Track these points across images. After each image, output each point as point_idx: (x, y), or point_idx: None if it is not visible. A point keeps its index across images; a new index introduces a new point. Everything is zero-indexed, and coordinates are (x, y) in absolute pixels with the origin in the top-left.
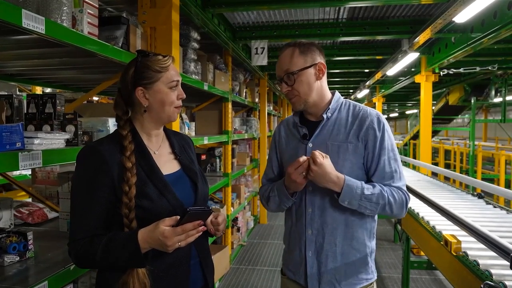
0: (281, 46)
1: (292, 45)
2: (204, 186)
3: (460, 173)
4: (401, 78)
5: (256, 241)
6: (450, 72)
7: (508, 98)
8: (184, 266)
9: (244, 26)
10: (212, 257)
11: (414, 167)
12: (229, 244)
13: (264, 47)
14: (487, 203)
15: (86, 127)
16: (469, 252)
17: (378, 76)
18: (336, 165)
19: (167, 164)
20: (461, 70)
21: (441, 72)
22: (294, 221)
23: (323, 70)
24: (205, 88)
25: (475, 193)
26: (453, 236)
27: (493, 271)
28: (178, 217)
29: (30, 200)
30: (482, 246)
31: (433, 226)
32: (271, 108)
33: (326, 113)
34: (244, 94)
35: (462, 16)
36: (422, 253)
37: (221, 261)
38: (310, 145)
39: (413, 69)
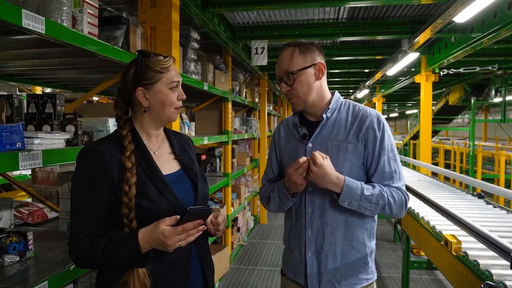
0: (281, 46)
1: (292, 45)
2: (204, 186)
3: (460, 173)
4: (401, 78)
5: (256, 241)
6: (450, 72)
7: (508, 98)
8: (184, 266)
9: (244, 26)
10: (212, 257)
11: (414, 167)
12: (229, 244)
13: (264, 47)
14: (487, 203)
15: (86, 127)
16: (469, 252)
17: (378, 76)
18: (336, 165)
19: (167, 164)
20: (461, 70)
21: (441, 72)
22: (294, 221)
23: (322, 70)
24: (205, 88)
25: (475, 193)
26: (453, 236)
27: (493, 271)
28: (178, 216)
29: (30, 200)
30: (482, 246)
31: (433, 226)
32: (271, 108)
33: (325, 113)
34: (244, 94)
35: (462, 16)
36: (422, 253)
37: (221, 261)
38: (309, 145)
39: (413, 69)
